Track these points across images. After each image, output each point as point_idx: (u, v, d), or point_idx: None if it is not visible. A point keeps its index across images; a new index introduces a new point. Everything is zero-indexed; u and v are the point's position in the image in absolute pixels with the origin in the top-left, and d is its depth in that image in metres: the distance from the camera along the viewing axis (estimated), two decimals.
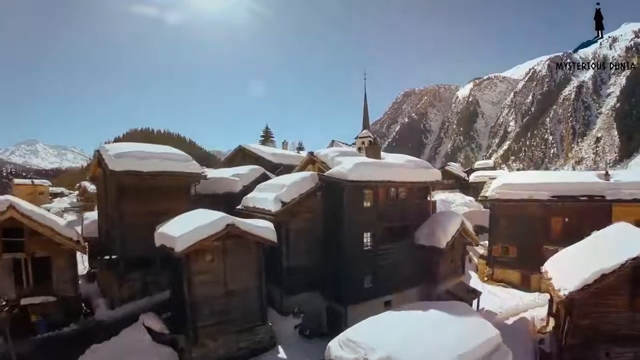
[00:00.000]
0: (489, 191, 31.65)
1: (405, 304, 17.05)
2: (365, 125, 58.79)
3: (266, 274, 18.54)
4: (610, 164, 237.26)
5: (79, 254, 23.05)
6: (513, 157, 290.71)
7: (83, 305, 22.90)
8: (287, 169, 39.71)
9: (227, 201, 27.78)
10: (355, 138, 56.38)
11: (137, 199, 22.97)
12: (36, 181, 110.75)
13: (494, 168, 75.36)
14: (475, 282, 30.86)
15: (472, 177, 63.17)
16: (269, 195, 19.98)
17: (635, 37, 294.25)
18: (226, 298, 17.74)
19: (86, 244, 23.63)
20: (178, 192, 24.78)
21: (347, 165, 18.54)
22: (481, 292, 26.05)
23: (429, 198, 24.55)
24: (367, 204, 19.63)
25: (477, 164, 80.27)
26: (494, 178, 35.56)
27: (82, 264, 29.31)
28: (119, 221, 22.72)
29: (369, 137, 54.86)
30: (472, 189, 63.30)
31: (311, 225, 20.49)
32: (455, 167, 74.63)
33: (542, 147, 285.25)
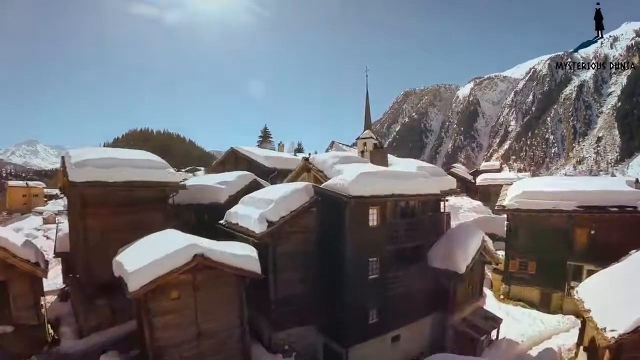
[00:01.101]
0: (508, 200, 28.00)
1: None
2: (367, 125, 54.93)
3: (252, 303, 15.08)
4: (612, 164, 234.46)
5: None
6: (514, 157, 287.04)
7: (51, 331, 20.02)
8: (283, 174, 36.05)
9: (212, 213, 24.29)
10: (356, 139, 52.57)
11: (104, 214, 19.62)
12: (31, 183, 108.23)
13: (499, 170, 71.54)
14: (490, 301, 27.38)
15: (479, 180, 59.56)
16: (253, 212, 16.29)
17: (636, 36, 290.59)
18: (198, 341, 14.15)
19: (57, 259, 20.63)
20: (153, 205, 21.35)
21: (349, 176, 14.96)
22: (502, 320, 22.41)
23: (442, 209, 20.97)
24: (373, 222, 16.04)
25: (482, 166, 76.62)
26: (510, 184, 31.84)
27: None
28: (83, 240, 19.38)
29: (371, 137, 50.92)
30: (480, 193, 59.77)
31: (305, 247, 16.75)
32: (460, 169, 70.99)
33: (543, 146, 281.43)
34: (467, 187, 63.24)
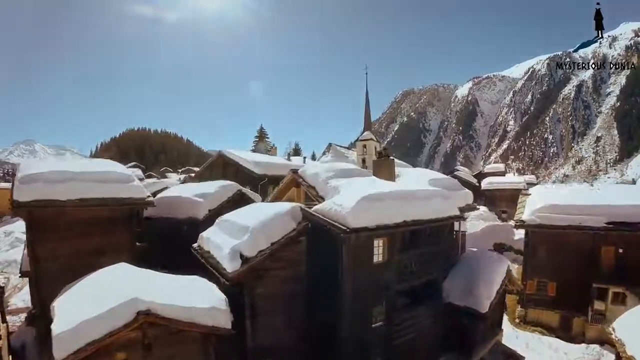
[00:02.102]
0: (528, 213, 24.50)
1: None
2: (367, 125, 51.29)
3: (228, 353, 11.62)
4: (611, 164, 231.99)
5: None
6: (512, 157, 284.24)
7: None
8: (274, 181, 32.67)
9: (190, 230, 20.86)
10: (355, 141, 48.98)
11: (57, 237, 16.35)
12: None
13: (504, 173, 68.04)
14: (505, 327, 23.97)
15: (485, 184, 56.02)
16: (225, 243, 12.70)
17: (635, 37, 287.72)
18: None
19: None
20: (116, 224, 17.97)
21: (347, 200, 11.46)
22: (524, 358, 18.95)
23: (457, 229, 17.52)
24: (378, 258, 12.43)
25: (486, 169, 72.93)
26: (528, 193, 28.36)
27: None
28: (34, 267, 16.16)
29: (372, 139, 47.36)
30: (485, 197, 56.32)
31: (291, 287, 13.04)
32: (464, 172, 67.37)
33: (542, 146, 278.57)
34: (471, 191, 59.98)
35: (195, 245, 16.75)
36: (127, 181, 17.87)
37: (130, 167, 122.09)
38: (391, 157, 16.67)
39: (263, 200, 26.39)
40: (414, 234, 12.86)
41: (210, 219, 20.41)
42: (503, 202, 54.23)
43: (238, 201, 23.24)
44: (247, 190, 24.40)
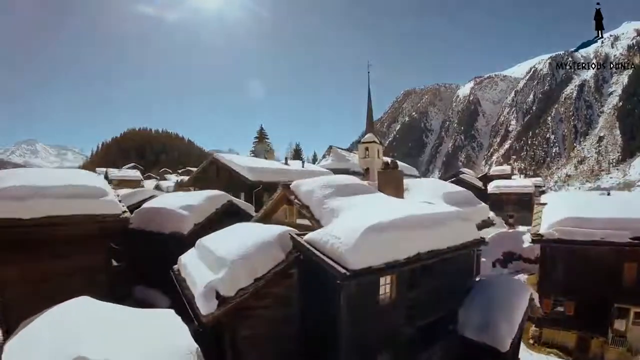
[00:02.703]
0: (545, 226, 22.24)
1: None
2: (370, 127, 49.02)
3: None
4: (613, 164, 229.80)
5: None
6: (514, 157, 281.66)
7: None
8: (269, 188, 30.53)
9: (174, 246, 18.77)
10: (358, 142, 46.86)
11: (25, 259, 14.54)
12: None
13: (510, 175, 65.69)
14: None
15: (491, 188, 53.67)
16: (200, 276, 10.55)
17: (637, 36, 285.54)
18: None
19: None
20: (89, 243, 15.90)
21: (348, 233, 8.92)
22: None
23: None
24: (384, 298, 9.89)
25: (492, 171, 70.54)
26: (543, 202, 26.07)
27: None
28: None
29: (375, 142, 45.24)
30: (491, 201, 53.99)
31: (281, 327, 10.61)
32: (469, 175, 65.09)
33: (544, 146, 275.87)
34: (477, 195, 57.66)
35: (175, 267, 14.62)
36: (98, 195, 15.76)
37: (129, 168, 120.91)
38: (399, 169, 14.46)
39: (257, 210, 24.34)
40: (428, 265, 10.62)
41: (196, 234, 18.41)
42: (510, 206, 51.98)
43: (228, 213, 21.23)
44: (238, 201, 22.26)
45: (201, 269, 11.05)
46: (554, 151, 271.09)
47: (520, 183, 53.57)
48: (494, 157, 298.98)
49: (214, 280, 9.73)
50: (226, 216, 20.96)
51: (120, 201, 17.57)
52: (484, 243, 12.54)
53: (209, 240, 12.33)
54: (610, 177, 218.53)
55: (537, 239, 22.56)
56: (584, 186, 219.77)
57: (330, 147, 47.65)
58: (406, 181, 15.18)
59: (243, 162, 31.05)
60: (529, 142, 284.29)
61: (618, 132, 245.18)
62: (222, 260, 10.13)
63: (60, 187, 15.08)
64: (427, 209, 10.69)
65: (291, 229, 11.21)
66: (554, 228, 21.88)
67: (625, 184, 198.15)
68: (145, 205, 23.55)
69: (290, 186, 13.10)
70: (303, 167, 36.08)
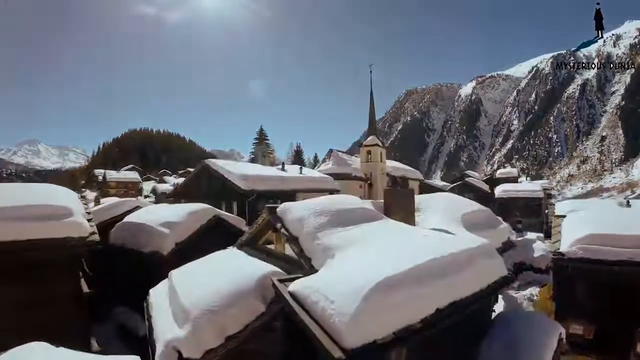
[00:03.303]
0: (567, 244, 19.89)
1: None
2: (372, 128, 46.77)
3: None
4: (616, 163, 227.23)
5: None
6: (517, 156, 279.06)
7: None
8: (263, 197, 28.38)
9: (153, 268, 16.69)
10: (359, 145, 44.63)
11: None
12: None
13: (517, 178, 63.29)
14: None
15: (499, 192, 51.29)
16: (162, 326, 8.40)
17: (639, 35, 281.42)
18: None
19: None
20: (53, 270, 13.69)
21: (345, 301, 6.09)
22: None
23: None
24: None
25: (498, 173, 68.19)
26: (561, 215, 23.72)
27: None
28: None
29: (377, 145, 42.90)
30: (498, 206, 51.64)
31: None
32: (474, 179, 62.74)
33: (546, 145, 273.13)
34: (483, 198, 55.18)
35: (149, 298, 12.42)
36: (62, 216, 13.53)
37: (127, 169, 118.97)
38: (410, 188, 12.18)
39: (250, 223, 22.15)
40: (441, 326, 8.24)
41: (178, 253, 16.40)
42: (518, 211, 49.62)
43: (215, 229, 19.06)
44: (227, 215, 20.07)
45: (166, 316, 8.88)
46: (556, 151, 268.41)
47: (529, 187, 51.23)
48: (496, 157, 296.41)
49: (175, 338, 7.54)
50: (213, 232, 18.88)
51: (90, 219, 15.37)
52: (512, 281, 10.24)
53: (180, 276, 10.14)
54: (613, 177, 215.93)
55: (558, 257, 20.24)
56: (586, 186, 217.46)
57: (331, 151, 45.41)
58: (417, 199, 12.88)
59: (236, 168, 28.91)
60: (531, 141, 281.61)
61: (621, 131, 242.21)
62: (186, 313, 7.91)
63: (16, 208, 12.87)
64: (448, 244, 8.38)
65: (274, 270, 8.97)
66: (577, 246, 19.55)
67: (628, 184, 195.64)
68: (126, 219, 21.50)
69: (277, 210, 10.80)
70: (301, 172, 33.86)
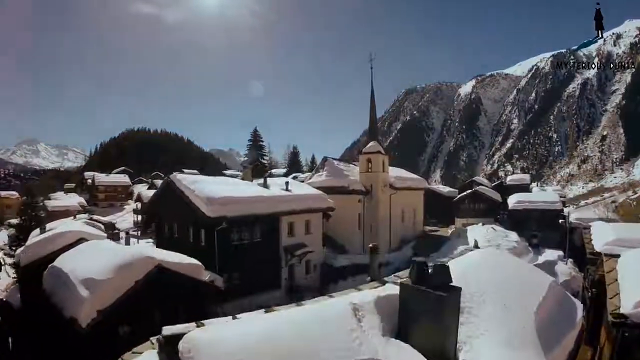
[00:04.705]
0: (630, 300, 13.95)
1: None
2: (372, 132, 40.20)
3: None
4: (617, 163, 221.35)
5: None
6: (517, 156, 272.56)
7: None
8: (237, 224, 22.57)
9: (71, 341, 11.02)
10: (358, 153, 38.22)
11: None
12: (3, 193, 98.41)
13: (529, 184, 57.14)
14: None
15: (513, 204, 45.30)
16: None
17: (639, 34, 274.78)
18: None
19: None
20: None
21: None
22: None
23: None
24: None
25: (509, 180, 62.04)
26: (614, 255, 17.63)
27: None
28: None
29: (380, 152, 36.50)
30: (510, 218, 45.61)
31: None
32: (484, 186, 56.57)
33: (547, 145, 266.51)
34: (493, 208, 49.22)
35: None
36: None
37: (118, 172, 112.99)
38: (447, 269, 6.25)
39: (220, 264, 16.23)
40: None
41: (102, 326, 10.66)
42: (533, 223, 43.68)
43: (159, 283, 13.32)
44: (176, 264, 14.28)
45: None
46: (556, 150, 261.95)
47: (546, 198, 45.19)
48: (496, 157, 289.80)
49: None
50: (156, 288, 13.12)
51: None
52: None
53: None
54: (614, 177, 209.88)
55: (621, 321, 14.18)
56: (587, 186, 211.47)
57: (325, 160, 38.88)
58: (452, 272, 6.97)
59: (203, 187, 22.85)
60: (531, 141, 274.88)
61: (621, 130, 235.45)
62: None
63: None
64: None
65: None
66: None
67: (630, 183, 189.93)
68: (57, 261, 15.84)
69: (180, 348, 5.06)
70: (287, 188, 27.66)
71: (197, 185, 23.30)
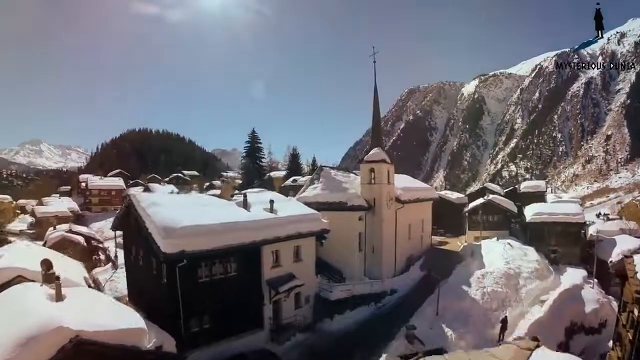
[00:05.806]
0: None
1: None
2: (376, 137, 34.90)
3: None
4: (621, 163, 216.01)
5: None
6: (520, 156, 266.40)
7: None
8: (205, 259, 17.88)
9: None
10: (359, 161, 33.09)
11: None
12: None
13: (544, 193, 51.91)
14: None
15: (531, 216, 40.33)
16: None
17: None
18: None
19: None
20: None
21: None
22: None
23: None
24: None
25: (523, 187, 56.71)
26: None
27: None
28: None
29: (384, 161, 31.34)
30: (532, 233, 40.56)
31: None
32: (498, 195, 51.39)
33: (551, 144, 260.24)
34: (507, 219, 44.20)
35: None
36: None
37: (113, 175, 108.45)
38: None
39: (182, 311, 11.68)
40: None
41: None
42: (552, 238, 38.84)
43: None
44: (106, 333, 9.55)
45: None
46: (560, 150, 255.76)
47: (566, 209, 40.03)
48: (500, 156, 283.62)
49: None
50: None
51: None
52: None
53: None
54: (619, 177, 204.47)
55: None
56: (592, 186, 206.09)
57: (321, 168, 33.51)
58: None
59: (162, 212, 17.82)
60: (535, 140, 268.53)
61: (626, 130, 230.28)
62: None
63: None
64: None
65: None
66: None
67: (635, 184, 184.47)
68: None
69: None
70: (272, 210, 22.50)
71: (155, 209, 18.21)
